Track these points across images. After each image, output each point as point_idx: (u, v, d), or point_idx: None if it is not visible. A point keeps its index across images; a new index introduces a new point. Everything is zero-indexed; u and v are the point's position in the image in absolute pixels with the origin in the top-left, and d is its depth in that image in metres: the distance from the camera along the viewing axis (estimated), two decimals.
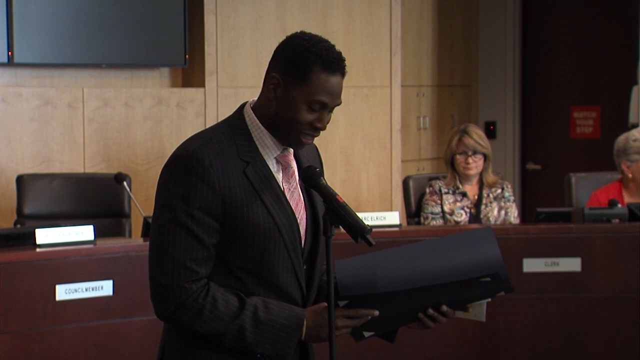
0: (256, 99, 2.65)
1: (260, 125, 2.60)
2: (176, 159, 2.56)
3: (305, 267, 2.65)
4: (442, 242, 2.79)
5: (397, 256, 2.66)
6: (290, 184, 2.64)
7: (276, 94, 2.57)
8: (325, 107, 2.57)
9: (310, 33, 2.61)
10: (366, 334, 2.69)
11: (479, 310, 2.73)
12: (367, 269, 2.63)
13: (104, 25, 6.15)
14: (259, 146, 2.59)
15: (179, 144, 2.64)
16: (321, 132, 2.61)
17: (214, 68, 6.58)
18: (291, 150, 2.65)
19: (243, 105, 2.65)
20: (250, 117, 2.61)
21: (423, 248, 2.76)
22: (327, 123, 2.60)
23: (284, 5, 6.77)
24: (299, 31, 2.63)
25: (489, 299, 2.71)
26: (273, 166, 2.61)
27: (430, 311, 2.67)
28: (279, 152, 2.62)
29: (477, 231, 2.81)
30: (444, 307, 2.67)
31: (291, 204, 2.62)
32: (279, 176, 2.62)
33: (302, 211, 2.65)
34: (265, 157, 2.60)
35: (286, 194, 2.62)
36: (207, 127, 2.69)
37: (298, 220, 2.63)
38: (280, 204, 2.59)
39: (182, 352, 2.61)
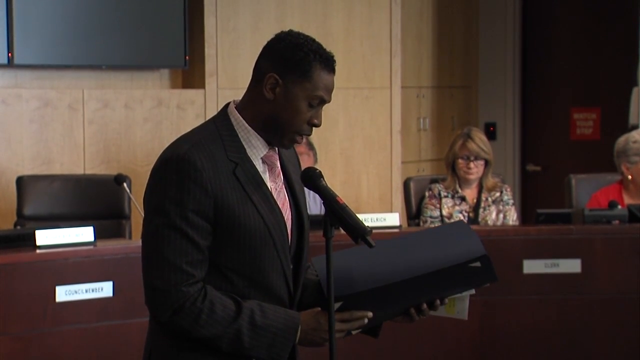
0: (239, 99, 2.64)
1: (247, 125, 2.59)
2: (167, 161, 2.54)
3: (291, 266, 2.65)
4: (418, 235, 2.80)
5: (377, 251, 2.65)
6: (276, 184, 2.65)
7: (275, 93, 2.56)
8: (322, 103, 2.59)
9: (297, 31, 2.61)
10: (353, 330, 2.69)
11: (461, 307, 2.74)
12: (346, 267, 2.62)
13: (104, 27, 6.15)
14: (246, 147, 2.59)
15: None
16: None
17: (214, 69, 6.58)
18: (276, 150, 2.65)
19: (226, 106, 2.64)
20: (236, 117, 2.60)
21: (401, 241, 2.77)
22: None
23: (284, 7, 6.77)
24: (284, 31, 2.62)
25: (473, 291, 2.72)
26: (260, 166, 2.61)
27: (424, 306, 2.68)
28: (265, 152, 2.62)
29: (452, 225, 2.83)
30: (437, 302, 2.68)
31: (278, 203, 2.62)
32: (265, 176, 2.62)
33: (288, 211, 2.65)
34: (252, 157, 2.59)
35: (273, 194, 2.62)
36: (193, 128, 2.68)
37: (285, 220, 2.63)
38: (269, 205, 2.59)
39: (170, 356, 2.59)
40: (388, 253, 2.68)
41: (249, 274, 2.57)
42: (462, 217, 5.68)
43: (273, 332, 2.56)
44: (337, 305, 2.59)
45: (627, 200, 5.68)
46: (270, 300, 2.59)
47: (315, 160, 5.91)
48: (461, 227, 2.76)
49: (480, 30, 8.40)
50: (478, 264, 2.65)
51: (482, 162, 5.71)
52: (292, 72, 2.55)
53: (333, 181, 6.71)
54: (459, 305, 2.73)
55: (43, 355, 4.34)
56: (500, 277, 2.75)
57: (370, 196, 7.03)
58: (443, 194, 5.75)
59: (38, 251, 4.40)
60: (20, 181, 5.70)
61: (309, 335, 2.60)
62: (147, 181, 2.62)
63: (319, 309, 2.62)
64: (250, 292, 2.58)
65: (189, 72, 6.61)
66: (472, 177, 5.71)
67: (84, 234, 4.52)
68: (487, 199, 5.73)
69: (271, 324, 2.56)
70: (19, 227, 5.30)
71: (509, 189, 5.83)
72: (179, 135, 2.67)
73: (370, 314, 2.63)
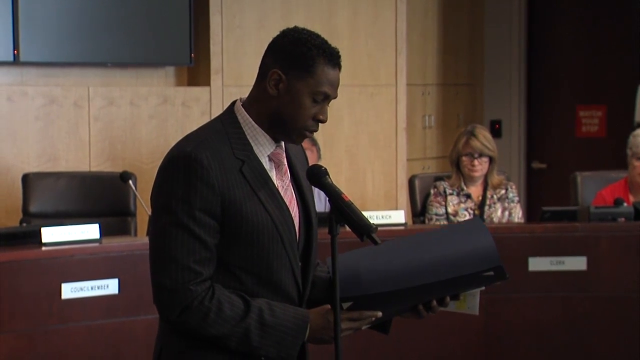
0: (246, 97, 2.64)
1: (253, 123, 2.59)
2: (173, 159, 2.53)
3: (300, 264, 2.64)
4: (432, 235, 2.79)
5: (388, 251, 2.64)
6: (283, 181, 2.64)
7: (278, 89, 2.56)
8: (327, 98, 2.57)
9: (302, 28, 2.61)
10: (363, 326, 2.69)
11: (472, 303, 2.73)
12: (357, 268, 2.62)
13: (109, 24, 6.16)
14: (252, 144, 2.58)
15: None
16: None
17: (220, 67, 6.58)
18: (283, 147, 2.65)
19: (233, 104, 2.64)
20: (242, 115, 2.60)
21: (414, 241, 2.76)
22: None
23: (289, 4, 6.77)
24: (289, 27, 2.62)
25: (483, 287, 2.71)
26: (266, 164, 2.60)
27: (434, 303, 2.67)
28: (272, 150, 2.61)
29: (467, 222, 2.81)
30: (447, 299, 2.68)
31: (285, 201, 2.62)
32: (272, 174, 2.61)
33: (295, 208, 2.65)
34: (259, 155, 2.59)
35: (280, 191, 2.62)
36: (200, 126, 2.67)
37: (292, 217, 2.62)
38: (276, 202, 2.58)
39: (180, 355, 2.59)
40: (401, 255, 2.66)
41: (257, 271, 2.57)
42: (467, 215, 5.68)
43: (282, 330, 2.55)
44: (346, 305, 2.59)
45: (633, 197, 5.67)
46: (279, 297, 2.59)
47: (319, 156, 5.91)
48: (476, 228, 2.73)
49: (486, 27, 8.40)
50: (491, 273, 2.64)
51: (486, 160, 5.71)
52: (295, 67, 2.54)
53: (338, 178, 6.71)
54: (470, 301, 2.72)
55: (49, 353, 4.35)
56: None
57: (376, 193, 7.03)
58: (448, 191, 5.75)
59: (44, 248, 4.41)
60: (26, 178, 5.70)
61: (318, 334, 2.60)
62: (153, 179, 2.62)
63: (329, 306, 2.61)
64: (259, 290, 2.57)
65: (194, 69, 6.61)
66: (476, 174, 5.71)
67: (90, 231, 4.52)
68: (492, 197, 5.72)
69: (280, 323, 2.55)
70: (24, 225, 5.31)
71: (514, 187, 5.83)
72: (184, 133, 2.66)
73: (379, 314, 2.63)
